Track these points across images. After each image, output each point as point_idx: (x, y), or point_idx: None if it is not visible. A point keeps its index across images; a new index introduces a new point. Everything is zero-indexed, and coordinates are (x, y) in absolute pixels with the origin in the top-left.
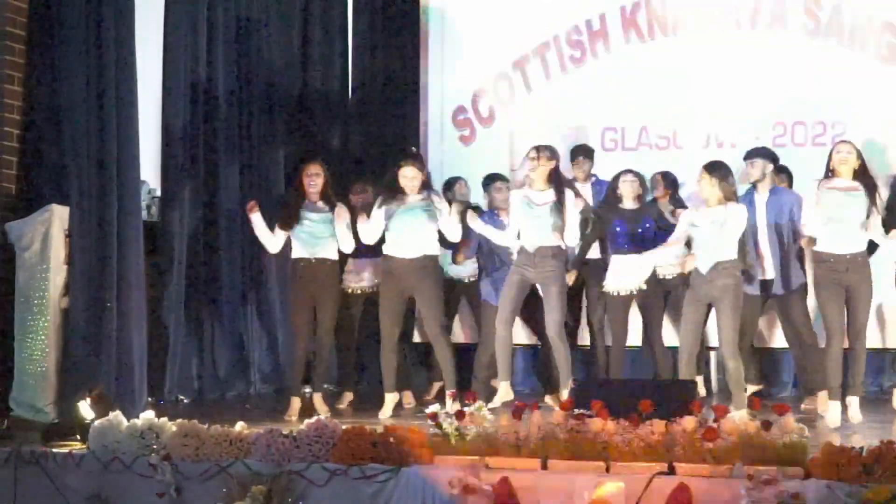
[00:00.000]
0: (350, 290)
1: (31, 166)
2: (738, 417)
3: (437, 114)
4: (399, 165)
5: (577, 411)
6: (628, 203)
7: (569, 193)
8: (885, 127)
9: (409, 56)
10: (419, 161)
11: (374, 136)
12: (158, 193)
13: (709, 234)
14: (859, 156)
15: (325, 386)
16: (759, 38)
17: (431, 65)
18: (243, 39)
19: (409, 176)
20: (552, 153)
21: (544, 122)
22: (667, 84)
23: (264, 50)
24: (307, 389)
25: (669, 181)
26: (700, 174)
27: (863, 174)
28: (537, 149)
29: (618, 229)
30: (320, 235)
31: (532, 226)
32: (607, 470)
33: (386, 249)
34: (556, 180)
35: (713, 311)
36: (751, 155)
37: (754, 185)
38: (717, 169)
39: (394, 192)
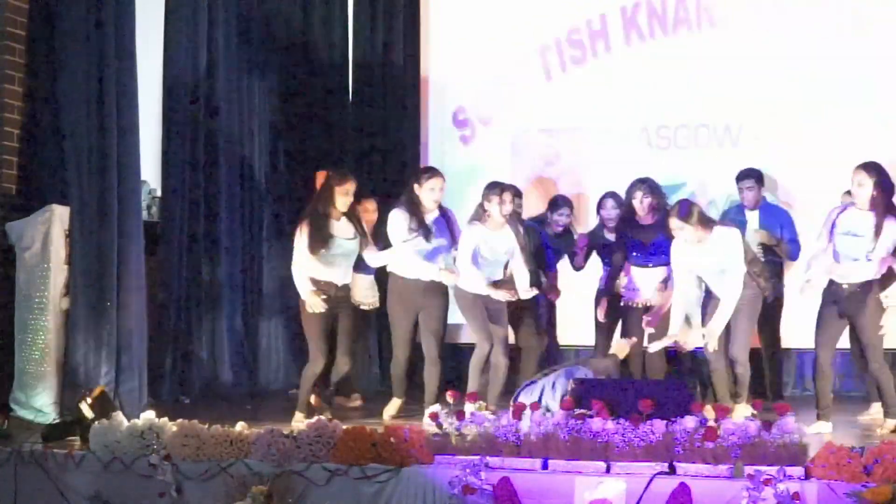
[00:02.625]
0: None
1: (32, 166)
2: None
3: (437, 113)
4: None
5: (577, 411)
6: (644, 219)
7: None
8: (885, 127)
9: (410, 55)
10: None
11: (375, 135)
12: (159, 193)
13: (709, 269)
14: (877, 183)
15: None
16: (761, 37)
17: (432, 64)
18: (244, 39)
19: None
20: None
21: (545, 123)
22: (668, 84)
23: (265, 49)
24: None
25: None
26: (676, 224)
27: (879, 202)
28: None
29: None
30: (349, 257)
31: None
32: (608, 470)
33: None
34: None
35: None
36: (743, 177)
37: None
38: (688, 214)
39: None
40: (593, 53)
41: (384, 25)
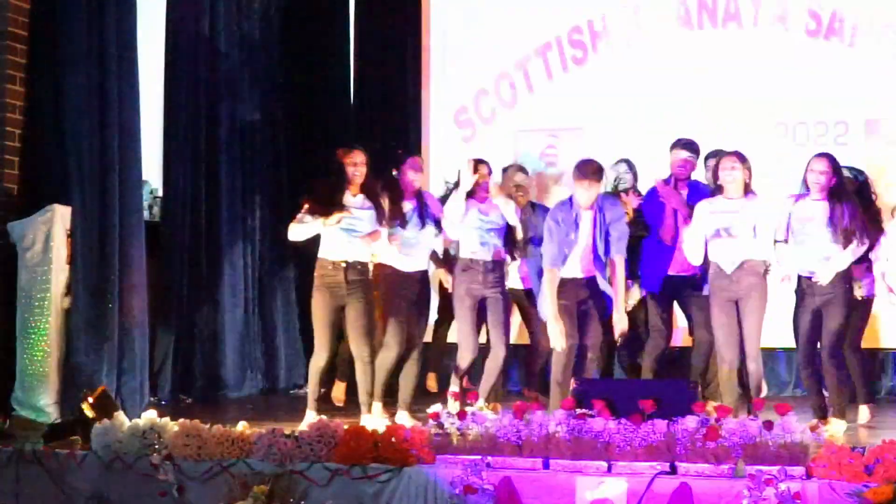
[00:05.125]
0: None
1: (34, 166)
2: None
3: (439, 113)
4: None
5: (579, 411)
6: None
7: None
8: (886, 126)
9: (412, 55)
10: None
11: (376, 134)
12: (160, 193)
13: (738, 230)
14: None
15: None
16: (762, 37)
17: (434, 64)
18: (246, 39)
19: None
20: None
21: (546, 122)
22: (669, 84)
23: (267, 49)
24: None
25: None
26: (728, 164)
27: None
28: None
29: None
30: (360, 231)
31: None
32: (609, 469)
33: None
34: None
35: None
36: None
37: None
38: (746, 160)
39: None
40: (595, 53)
41: (386, 24)
